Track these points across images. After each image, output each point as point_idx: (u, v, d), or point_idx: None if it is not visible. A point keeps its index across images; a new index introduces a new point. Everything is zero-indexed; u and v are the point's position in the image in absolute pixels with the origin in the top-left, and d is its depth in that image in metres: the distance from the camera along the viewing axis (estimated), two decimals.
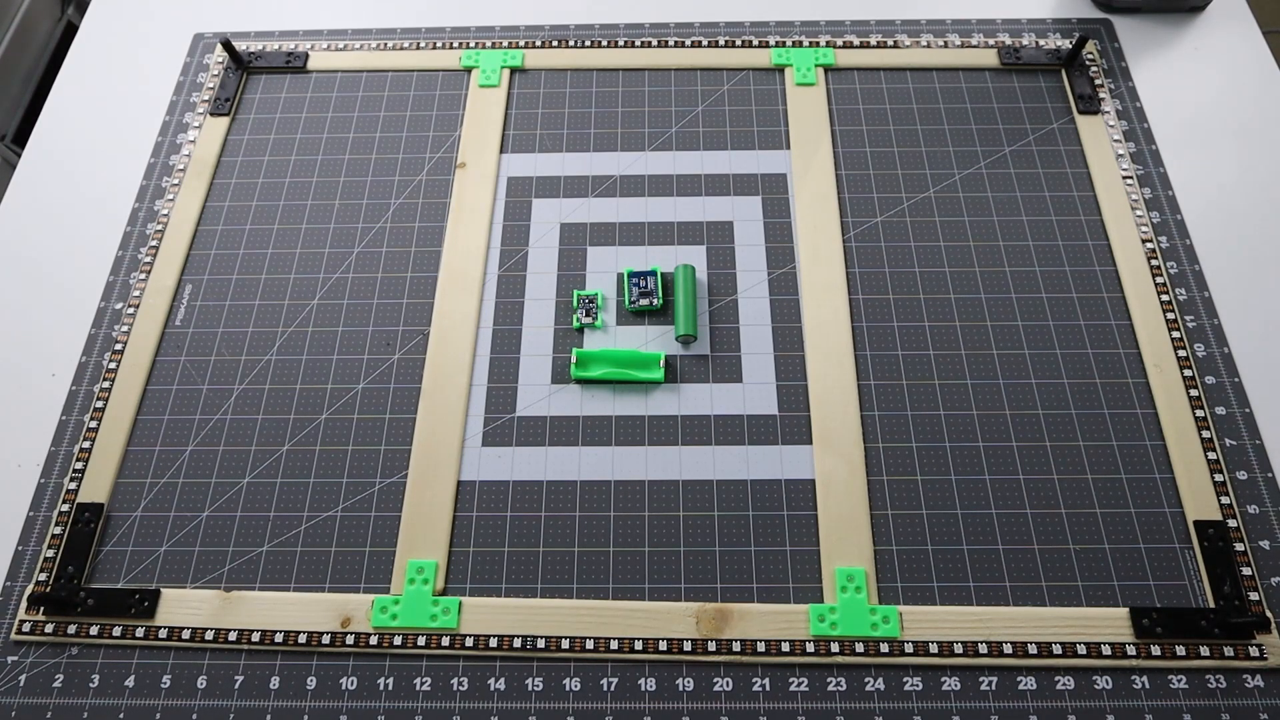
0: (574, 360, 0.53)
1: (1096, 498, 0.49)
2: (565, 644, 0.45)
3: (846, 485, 0.49)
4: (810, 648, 0.45)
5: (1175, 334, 0.53)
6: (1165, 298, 0.55)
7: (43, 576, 0.48)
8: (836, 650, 0.45)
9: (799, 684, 0.44)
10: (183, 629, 0.46)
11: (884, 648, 0.45)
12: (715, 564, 0.48)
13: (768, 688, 0.44)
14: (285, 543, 0.49)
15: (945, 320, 0.55)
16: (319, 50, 0.67)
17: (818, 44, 0.66)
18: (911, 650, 0.45)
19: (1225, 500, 0.48)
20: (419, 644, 0.46)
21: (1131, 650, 0.44)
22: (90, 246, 0.59)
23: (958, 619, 0.46)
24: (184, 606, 0.47)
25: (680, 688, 0.44)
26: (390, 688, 0.45)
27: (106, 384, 0.54)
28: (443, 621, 0.46)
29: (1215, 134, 0.62)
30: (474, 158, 0.62)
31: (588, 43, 0.67)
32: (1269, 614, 0.45)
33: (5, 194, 0.62)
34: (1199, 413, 0.51)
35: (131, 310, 0.56)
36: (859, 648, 0.45)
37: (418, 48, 0.67)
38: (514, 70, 0.66)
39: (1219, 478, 0.49)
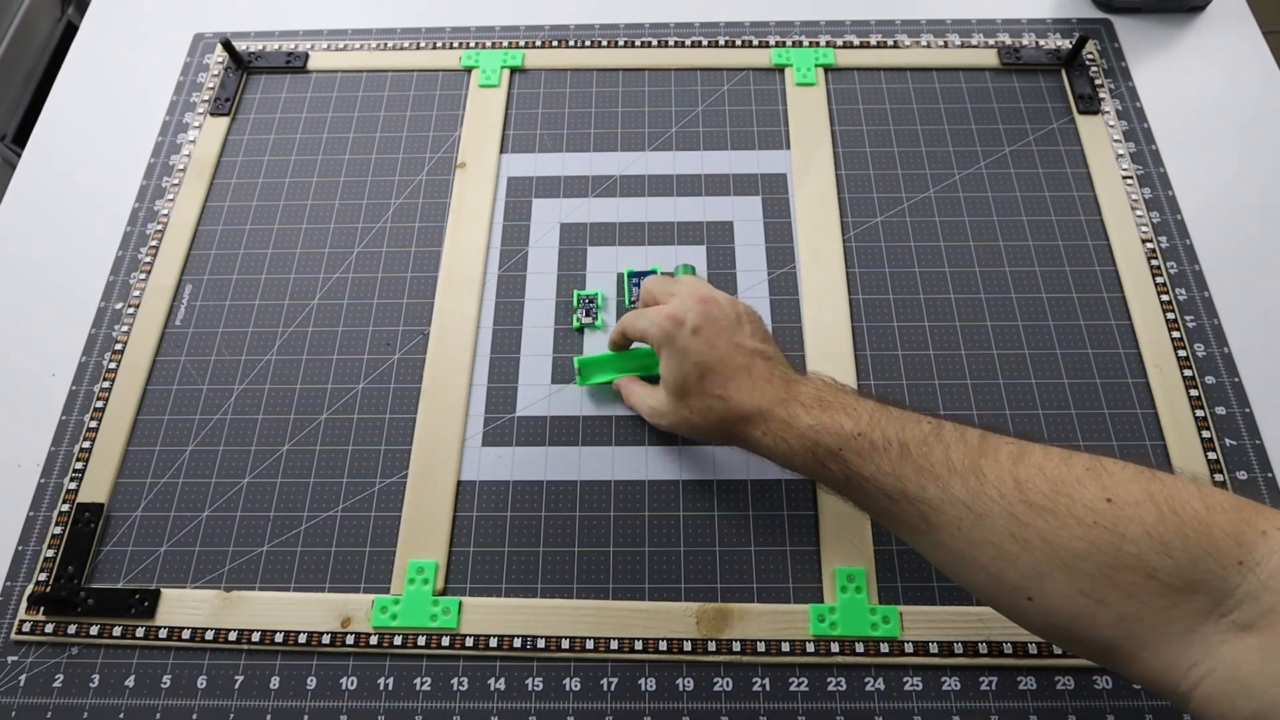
0: (577, 371, 0.52)
1: None
2: (565, 644, 0.45)
3: None
4: (810, 648, 0.45)
5: (1175, 334, 0.53)
6: (1165, 298, 0.55)
7: (43, 576, 0.48)
8: (836, 650, 0.45)
9: (799, 684, 0.44)
10: (183, 629, 0.46)
11: (884, 648, 0.45)
12: (715, 564, 0.48)
13: (768, 688, 0.44)
14: (285, 543, 0.49)
15: (945, 320, 0.55)
16: (319, 50, 0.67)
17: (818, 44, 0.66)
18: (911, 650, 0.45)
19: None
20: (419, 644, 0.46)
21: None
22: (90, 246, 0.59)
23: (958, 619, 0.46)
24: (184, 606, 0.47)
25: (680, 688, 0.44)
26: (390, 688, 0.45)
27: (106, 384, 0.54)
28: (443, 621, 0.46)
29: (1215, 134, 0.62)
30: (474, 158, 0.62)
31: (588, 43, 0.67)
32: None
33: (5, 194, 0.62)
34: (1199, 413, 0.51)
35: (131, 310, 0.56)
36: (859, 648, 0.45)
37: (418, 48, 0.67)
38: (514, 70, 0.66)
39: (1219, 478, 0.49)
